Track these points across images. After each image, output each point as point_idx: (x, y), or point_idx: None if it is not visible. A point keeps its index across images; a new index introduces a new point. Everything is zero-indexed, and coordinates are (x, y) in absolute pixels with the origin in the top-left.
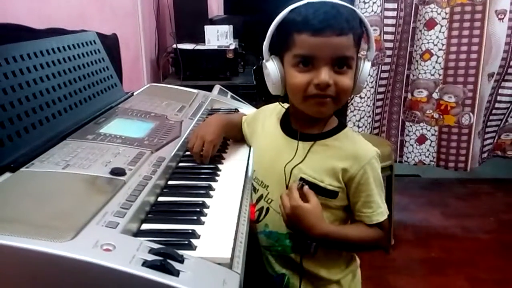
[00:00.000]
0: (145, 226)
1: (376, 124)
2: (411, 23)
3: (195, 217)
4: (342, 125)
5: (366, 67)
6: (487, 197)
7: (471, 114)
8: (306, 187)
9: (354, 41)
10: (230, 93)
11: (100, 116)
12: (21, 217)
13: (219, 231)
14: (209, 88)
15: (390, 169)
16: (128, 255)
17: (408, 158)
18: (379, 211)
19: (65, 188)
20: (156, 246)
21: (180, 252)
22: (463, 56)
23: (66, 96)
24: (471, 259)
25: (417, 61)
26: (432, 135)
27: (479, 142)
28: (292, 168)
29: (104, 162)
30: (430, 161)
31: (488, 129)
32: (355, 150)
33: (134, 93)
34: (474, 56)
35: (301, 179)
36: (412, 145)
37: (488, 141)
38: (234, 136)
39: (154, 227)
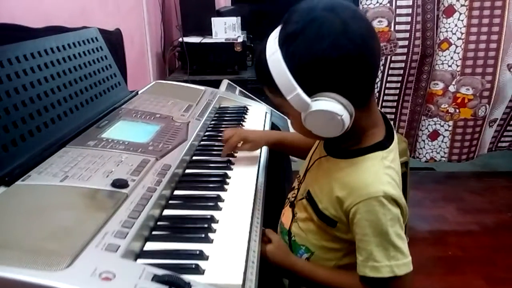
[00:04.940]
0: (148, 246)
1: (388, 116)
2: (435, 11)
3: (203, 235)
4: (373, 148)
5: (305, 114)
6: (504, 192)
7: (487, 105)
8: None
9: (271, 90)
10: (238, 88)
11: (102, 118)
12: (13, 240)
13: (228, 251)
14: (217, 83)
15: (405, 166)
16: (129, 284)
17: (419, 154)
18: (371, 265)
19: (63, 204)
20: (160, 272)
21: (187, 277)
22: (482, 45)
23: (66, 98)
24: (488, 257)
25: (435, 50)
26: (446, 130)
27: (492, 131)
28: (305, 174)
29: (105, 172)
30: (441, 157)
31: None
32: (356, 180)
33: (139, 92)
34: (493, 45)
35: (308, 192)
36: (424, 141)
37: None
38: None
39: (159, 246)
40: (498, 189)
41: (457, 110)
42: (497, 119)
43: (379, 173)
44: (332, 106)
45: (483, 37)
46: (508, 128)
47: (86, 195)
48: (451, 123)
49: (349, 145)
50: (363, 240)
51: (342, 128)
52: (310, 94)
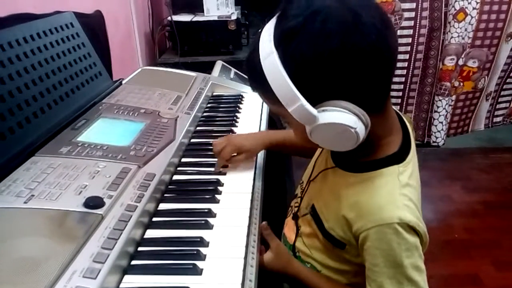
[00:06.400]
0: (127, 280)
1: (394, 100)
2: None
3: (191, 266)
4: (388, 162)
5: (311, 128)
6: (511, 169)
7: (486, 77)
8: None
9: (268, 98)
10: (233, 70)
11: (80, 117)
12: None
13: (220, 284)
14: (211, 65)
15: None
16: None
17: (436, 138)
18: None
19: (25, 234)
20: None
21: None
22: (493, 16)
23: (36, 97)
24: (496, 239)
25: (449, 22)
26: (449, 105)
27: (487, 104)
28: (308, 183)
29: (78, 188)
30: (444, 133)
31: (503, 93)
32: (367, 201)
33: (123, 81)
34: (502, 16)
35: (313, 206)
36: (441, 123)
37: (503, 105)
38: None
39: (138, 281)
40: (504, 166)
41: (461, 84)
42: (492, 91)
43: (394, 194)
44: (343, 118)
45: (495, 7)
46: (500, 100)
47: (53, 220)
48: (454, 97)
49: (360, 156)
50: (373, 271)
51: (355, 142)
52: (316, 102)
